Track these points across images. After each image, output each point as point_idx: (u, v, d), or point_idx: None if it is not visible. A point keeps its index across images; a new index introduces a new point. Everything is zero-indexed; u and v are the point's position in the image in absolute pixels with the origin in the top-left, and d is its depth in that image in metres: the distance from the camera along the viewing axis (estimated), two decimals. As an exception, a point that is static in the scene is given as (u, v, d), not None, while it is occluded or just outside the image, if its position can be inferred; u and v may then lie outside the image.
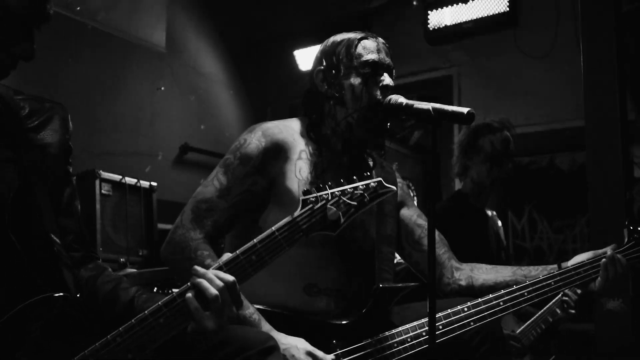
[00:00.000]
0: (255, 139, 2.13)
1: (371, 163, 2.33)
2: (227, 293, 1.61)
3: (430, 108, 1.89)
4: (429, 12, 5.16)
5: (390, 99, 2.07)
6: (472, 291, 2.26)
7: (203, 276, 1.62)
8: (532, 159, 5.06)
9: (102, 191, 3.83)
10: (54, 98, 4.40)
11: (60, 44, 4.37)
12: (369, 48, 2.20)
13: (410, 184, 5.27)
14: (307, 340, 1.98)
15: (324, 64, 2.22)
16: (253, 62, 6.10)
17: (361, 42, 2.21)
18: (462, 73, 5.35)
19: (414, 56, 5.35)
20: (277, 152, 2.13)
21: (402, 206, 2.37)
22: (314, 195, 1.68)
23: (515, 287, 2.15)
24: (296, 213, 1.67)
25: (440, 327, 2.07)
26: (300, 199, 1.68)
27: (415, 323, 2.07)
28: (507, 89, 5.12)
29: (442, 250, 2.33)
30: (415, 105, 1.95)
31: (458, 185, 3.79)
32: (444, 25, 5.16)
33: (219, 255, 2.02)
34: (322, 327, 2.05)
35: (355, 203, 1.68)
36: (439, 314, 2.07)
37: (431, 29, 5.19)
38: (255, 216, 2.15)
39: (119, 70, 4.81)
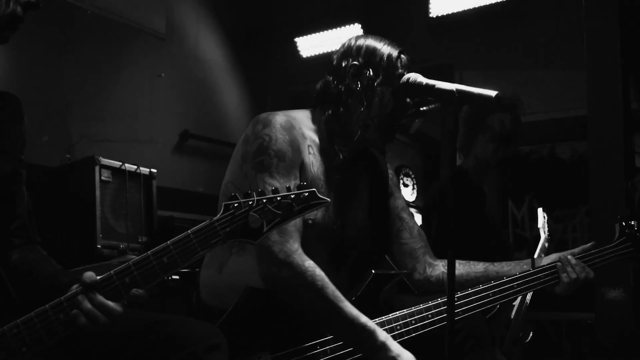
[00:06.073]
0: (279, 133, 2.10)
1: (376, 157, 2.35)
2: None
3: (455, 89, 1.78)
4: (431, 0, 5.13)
5: (409, 78, 1.98)
6: (443, 286, 2.29)
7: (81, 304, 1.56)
8: (532, 148, 5.05)
9: (102, 177, 3.81)
10: (52, 84, 4.41)
11: (59, 30, 4.35)
12: (405, 64, 2.19)
13: (411, 172, 5.26)
14: (297, 327, 1.99)
15: (361, 61, 2.19)
16: (254, 49, 6.07)
17: (401, 55, 2.20)
18: (463, 61, 5.33)
19: (415, 44, 5.32)
20: (297, 144, 2.12)
21: (390, 197, 2.40)
22: (238, 201, 1.60)
23: (505, 279, 2.20)
24: (216, 217, 1.60)
25: (430, 316, 2.10)
26: (223, 204, 1.61)
27: (405, 311, 2.10)
28: (508, 77, 5.10)
29: (418, 245, 2.37)
30: (437, 86, 1.86)
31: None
32: (445, 13, 5.14)
33: None
34: None
35: (280, 212, 1.60)
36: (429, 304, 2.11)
37: (433, 17, 5.16)
38: None
39: (118, 57, 4.78)
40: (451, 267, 1.72)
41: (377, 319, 2.07)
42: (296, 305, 2.02)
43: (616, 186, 3.14)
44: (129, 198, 3.95)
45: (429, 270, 2.36)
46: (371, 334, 1.97)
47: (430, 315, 2.10)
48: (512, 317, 3.21)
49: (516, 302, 3.21)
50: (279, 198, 1.60)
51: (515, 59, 5.09)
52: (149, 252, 1.58)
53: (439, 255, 2.40)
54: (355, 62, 2.19)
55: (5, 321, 1.57)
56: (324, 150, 2.18)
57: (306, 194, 1.62)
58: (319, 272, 1.98)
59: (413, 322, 2.09)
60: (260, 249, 2.00)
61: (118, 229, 3.85)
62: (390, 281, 2.13)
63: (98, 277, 1.59)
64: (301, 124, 2.18)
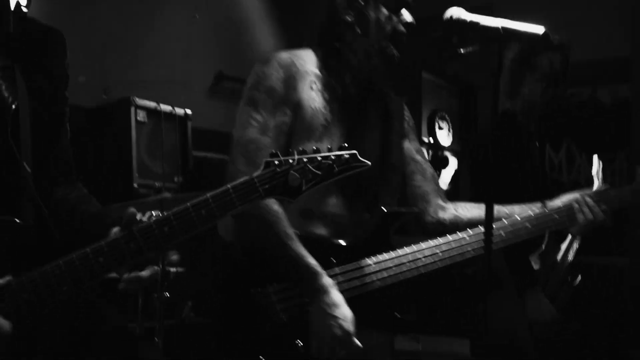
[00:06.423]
0: (274, 70, 2.17)
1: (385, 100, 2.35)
2: None
3: (500, 26, 1.78)
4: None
5: (452, 15, 1.94)
6: (457, 228, 2.29)
7: None
8: (572, 91, 4.92)
9: (138, 118, 3.86)
10: (87, 28, 4.42)
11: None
12: None
13: (446, 115, 5.19)
14: None
15: None
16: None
17: None
18: (501, 2, 5.17)
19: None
20: (294, 82, 2.16)
21: (404, 139, 2.41)
22: (279, 159, 1.62)
23: (519, 218, 2.20)
24: (256, 173, 1.62)
25: (440, 254, 2.13)
26: (264, 160, 1.63)
27: (415, 247, 2.14)
28: (548, 17, 4.93)
29: (431, 188, 2.40)
30: (481, 23, 1.83)
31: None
32: (485, -50, 4.97)
33: None
34: (321, 246, 2.11)
35: (320, 172, 1.62)
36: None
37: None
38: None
39: (153, -1, 4.77)
40: (489, 212, 1.73)
41: (386, 255, 2.11)
42: (248, 237, 2.07)
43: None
44: (164, 139, 4.00)
45: (440, 214, 2.38)
46: (314, 276, 2.00)
47: (440, 253, 2.12)
48: (558, 259, 3.18)
49: (563, 245, 3.19)
50: (319, 158, 1.62)
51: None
52: (188, 203, 1.62)
53: (478, 199, 2.39)
54: None
55: (47, 259, 1.62)
56: (329, 84, 2.20)
57: (347, 156, 1.64)
58: (274, 208, 2.03)
59: (422, 258, 2.11)
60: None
61: (154, 169, 3.92)
62: (400, 219, 2.15)
63: (139, 226, 1.63)
64: (305, 60, 2.22)
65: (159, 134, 3.97)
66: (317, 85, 2.18)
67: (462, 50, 2.01)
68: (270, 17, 5.88)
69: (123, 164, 3.78)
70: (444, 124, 5.15)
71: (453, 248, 2.13)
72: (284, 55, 2.21)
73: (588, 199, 2.23)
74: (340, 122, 2.19)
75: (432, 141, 4.98)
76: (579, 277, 3.28)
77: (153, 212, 3.28)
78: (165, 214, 1.63)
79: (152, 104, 3.94)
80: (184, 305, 3.12)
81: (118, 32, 4.48)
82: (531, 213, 2.22)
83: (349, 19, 2.20)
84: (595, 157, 3.28)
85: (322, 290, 1.98)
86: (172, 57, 4.89)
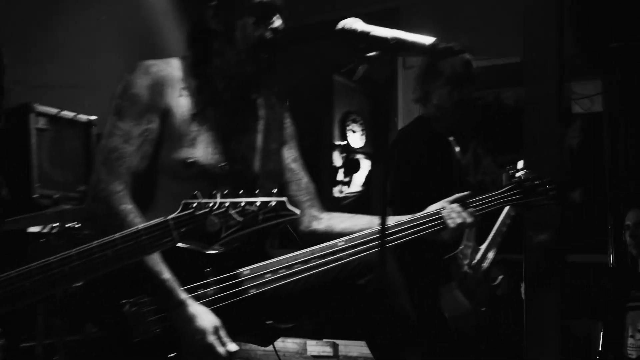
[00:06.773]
0: (138, 78, 2.16)
1: (258, 102, 2.35)
2: None
3: (390, 37, 1.78)
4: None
5: (344, 25, 1.90)
6: (329, 239, 2.27)
7: None
8: (477, 94, 5.06)
9: (38, 125, 3.73)
10: (-17, 27, 4.19)
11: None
12: None
13: (358, 118, 5.24)
14: (181, 269, 2.01)
15: (216, 1, 2.21)
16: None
17: None
18: (409, 6, 5.25)
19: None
20: (160, 88, 2.15)
21: (283, 146, 2.41)
22: (198, 200, 1.51)
23: (392, 224, 2.22)
24: (172, 215, 1.51)
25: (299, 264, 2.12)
26: (182, 202, 1.55)
27: (290, 254, 2.13)
28: (452, 24, 5.05)
29: (305, 198, 2.40)
30: (372, 33, 1.82)
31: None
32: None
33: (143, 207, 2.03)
34: (196, 256, 2.06)
35: (241, 219, 1.51)
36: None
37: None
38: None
39: (57, -2, 4.62)
40: (383, 218, 1.74)
41: (262, 263, 2.11)
42: None
43: (550, 132, 3.18)
44: (67, 146, 3.88)
45: (314, 224, 2.39)
46: (169, 291, 1.98)
47: (315, 260, 2.13)
48: (477, 259, 3.27)
49: (482, 246, 3.29)
50: (243, 204, 1.52)
51: (460, 4, 5.04)
52: (93, 242, 1.51)
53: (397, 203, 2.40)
54: (212, 3, 2.22)
55: None
56: (200, 91, 2.20)
57: (273, 203, 1.55)
58: (131, 219, 1.99)
59: (298, 265, 2.11)
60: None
61: (56, 178, 3.79)
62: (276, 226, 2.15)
63: (34, 263, 1.52)
64: (173, 67, 2.22)
65: (61, 141, 3.85)
66: (186, 92, 2.18)
67: (369, 54, 2.00)
68: (179, 19, 5.79)
69: (22, 173, 3.63)
70: (356, 127, 5.20)
71: (327, 253, 2.14)
72: (151, 63, 2.21)
73: (454, 205, 2.30)
74: (215, 129, 2.19)
75: (344, 144, 5.02)
76: (500, 277, 3.41)
77: (53, 224, 3.19)
78: (67, 252, 1.52)
79: (53, 110, 3.81)
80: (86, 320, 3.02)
81: (16, 32, 4.30)
82: (402, 220, 2.26)
83: (213, 27, 2.20)
84: (520, 162, 3.41)
85: (178, 306, 1.97)
86: (76, 61, 4.73)
